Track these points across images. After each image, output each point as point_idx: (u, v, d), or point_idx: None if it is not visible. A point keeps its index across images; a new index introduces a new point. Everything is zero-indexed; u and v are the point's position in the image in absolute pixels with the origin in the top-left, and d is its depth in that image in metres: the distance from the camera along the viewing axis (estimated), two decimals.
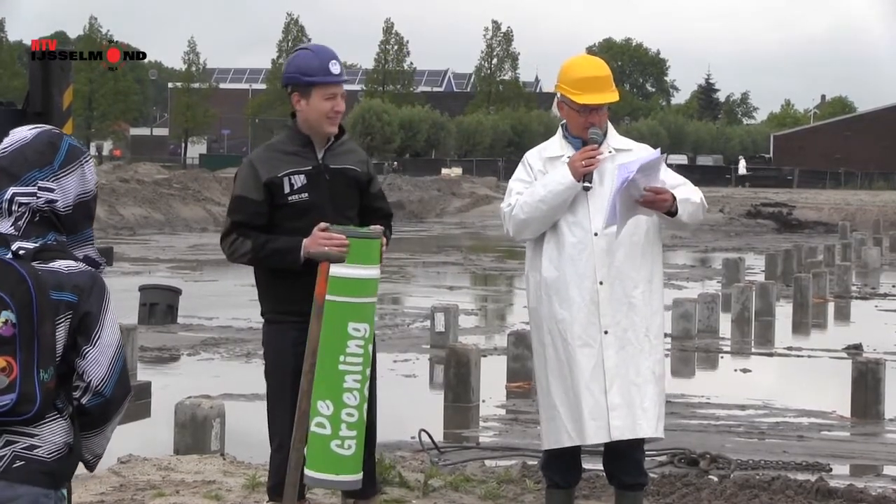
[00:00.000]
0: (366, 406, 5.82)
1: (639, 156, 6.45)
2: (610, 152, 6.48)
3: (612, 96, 6.47)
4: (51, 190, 3.76)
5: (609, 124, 6.60)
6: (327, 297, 5.70)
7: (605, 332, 6.33)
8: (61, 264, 3.71)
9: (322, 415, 5.76)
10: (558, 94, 6.60)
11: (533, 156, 6.62)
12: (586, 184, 6.35)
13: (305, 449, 5.85)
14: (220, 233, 6.20)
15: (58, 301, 3.67)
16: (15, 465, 3.66)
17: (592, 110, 6.44)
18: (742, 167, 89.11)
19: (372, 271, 5.81)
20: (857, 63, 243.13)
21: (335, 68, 6.07)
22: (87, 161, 3.85)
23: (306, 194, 6.04)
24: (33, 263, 3.67)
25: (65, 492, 3.79)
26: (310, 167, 6.08)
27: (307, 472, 5.89)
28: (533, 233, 6.48)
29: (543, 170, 6.49)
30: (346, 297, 5.74)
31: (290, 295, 5.98)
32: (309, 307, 5.79)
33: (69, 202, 3.79)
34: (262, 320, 6.27)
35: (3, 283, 3.62)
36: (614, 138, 6.57)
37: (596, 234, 6.36)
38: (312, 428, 5.79)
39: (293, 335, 5.93)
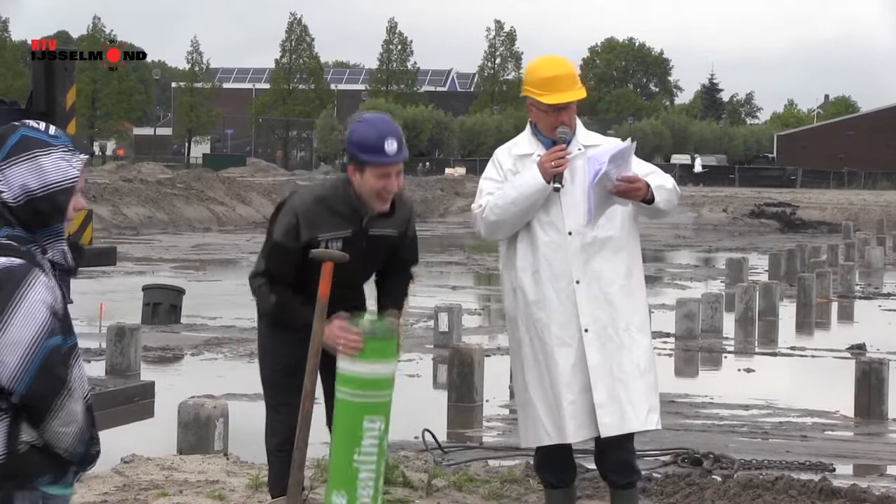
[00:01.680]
0: (380, 498, 5.78)
1: (607, 148, 6.44)
2: (579, 150, 6.46)
3: (579, 94, 6.43)
4: None
5: (578, 121, 6.55)
6: (343, 392, 5.65)
7: (586, 331, 6.31)
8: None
9: None
10: (526, 97, 6.55)
11: (503, 153, 6.58)
12: (556, 185, 6.31)
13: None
14: (251, 271, 6.20)
15: None
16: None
17: (561, 109, 6.40)
18: (698, 165, 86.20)
19: (388, 367, 5.71)
20: (861, 63, 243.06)
21: (391, 147, 5.87)
22: (46, 153, 3.75)
23: None
24: None
25: (49, 490, 3.74)
26: (349, 232, 5.99)
27: None
28: (505, 234, 6.47)
29: (514, 168, 6.46)
30: (362, 394, 5.66)
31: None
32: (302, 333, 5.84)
33: (17, 194, 3.71)
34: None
35: None
36: (583, 135, 6.53)
37: (570, 234, 6.34)
38: None
39: (302, 338, 5.95)
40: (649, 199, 6.34)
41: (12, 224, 3.72)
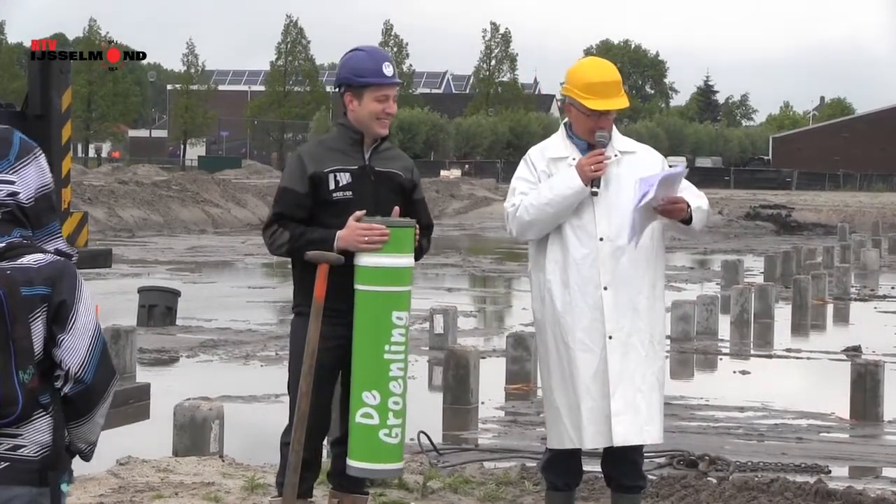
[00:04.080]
0: (407, 394, 5.87)
1: (645, 159, 6.49)
2: (616, 156, 6.47)
3: (623, 102, 6.46)
4: (11, 182, 3.71)
5: (613, 127, 6.59)
6: (369, 287, 5.80)
7: (610, 338, 6.31)
8: (30, 259, 3.65)
9: (369, 405, 5.81)
10: (566, 97, 6.54)
11: (536, 154, 6.56)
12: (594, 189, 6.33)
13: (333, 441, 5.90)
14: (263, 226, 6.25)
15: (31, 297, 3.63)
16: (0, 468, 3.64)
17: (601, 114, 6.43)
18: None
19: (409, 259, 5.92)
20: (856, 65, 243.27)
21: (388, 70, 6.14)
22: (40, 154, 3.82)
23: (350, 192, 6.09)
24: (1, 263, 3.63)
25: (65, 485, 3.78)
26: (355, 167, 6.14)
27: (352, 463, 5.92)
28: (536, 234, 6.45)
29: (547, 170, 6.45)
30: (389, 286, 5.83)
31: (326, 290, 5.98)
32: (342, 304, 5.86)
33: (31, 194, 3.74)
34: (273, 321, 6.29)
35: None
36: (619, 141, 6.55)
37: (601, 240, 6.34)
38: (358, 419, 5.83)
39: (323, 329, 5.94)
40: (687, 220, 6.39)
41: (24, 225, 3.75)
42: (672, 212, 6.34)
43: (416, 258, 6.11)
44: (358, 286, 5.84)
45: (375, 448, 5.83)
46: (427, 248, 6.31)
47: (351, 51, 6.28)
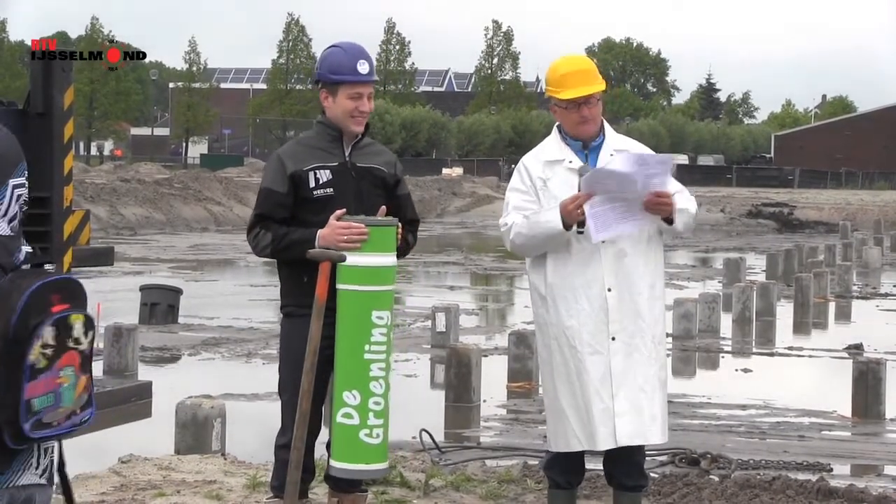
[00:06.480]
0: (389, 394, 5.85)
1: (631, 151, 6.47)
2: (611, 155, 6.45)
3: (596, 86, 6.39)
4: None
5: (606, 125, 6.56)
6: (349, 287, 5.77)
7: (613, 339, 6.31)
8: (47, 268, 3.61)
9: (349, 405, 5.79)
10: (549, 99, 6.53)
11: (530, 161, 6.51)
12: (580, 229, 6.27)
13: (314, 442, 5.88)
14: (247, 228, 6.26)
15: None
16: (52, 469, 3.65)
17: (581, 104, 6.38)
18: None
19: (390, 259, 5.88)
20: (858, 63, 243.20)
21: (363, 68, 6.12)
22: None
23: (331, 189, 6.09)
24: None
25: None
26: (336, 163, 6.13)
27: (334, 463, 5.93)
28: (532, 255, 6.46)
29: (543, 175, 6.40)
30: (368, 286, 5.80)
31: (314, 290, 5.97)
32: (333, 303, 5.83)
33: None
34: (275, 319, 6.29)
35: (82, 301, 3.47)
36: (613, 139, 6.53)
37: (603, 242, 6.34)
38: (339, 419, 5.82)
39: (315, 329, 5.93)
40: (671, 220, 6.37)
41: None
42: (658, 204, 6.31)
43: (403, 254, 6.13)
44: (339, 285, 5.81)
45: (356, 448, 5.82)
46: (413, 244, 6.30)
47: (329, 47, 6.27)
